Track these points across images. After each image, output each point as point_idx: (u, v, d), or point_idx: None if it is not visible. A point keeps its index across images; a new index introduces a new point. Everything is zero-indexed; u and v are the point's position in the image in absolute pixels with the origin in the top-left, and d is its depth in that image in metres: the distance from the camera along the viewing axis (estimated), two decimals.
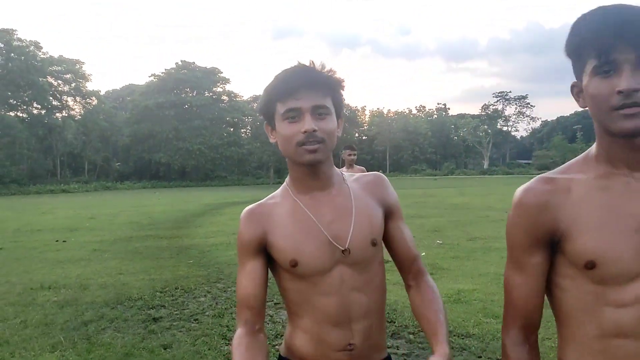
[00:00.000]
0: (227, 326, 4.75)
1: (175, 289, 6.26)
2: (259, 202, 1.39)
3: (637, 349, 0.95)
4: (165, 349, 4.22)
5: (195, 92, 57.51)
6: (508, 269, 1.11)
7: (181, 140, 52.71)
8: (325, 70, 1.29)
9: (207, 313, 5.25)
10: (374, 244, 1.32)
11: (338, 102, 1.32)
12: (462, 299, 5.44)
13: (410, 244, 1.41)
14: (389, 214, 1.38)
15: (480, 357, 3.90)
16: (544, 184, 1.06)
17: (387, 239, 1.40)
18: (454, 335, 4.35)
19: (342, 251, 1.29)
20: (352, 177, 1.41)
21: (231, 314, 5.20)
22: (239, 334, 1.29)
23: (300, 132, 1.24)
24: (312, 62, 1.28)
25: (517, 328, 1.10)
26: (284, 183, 1.40)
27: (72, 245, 10.32)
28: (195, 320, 5.03)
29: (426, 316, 1.31)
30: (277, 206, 1.35)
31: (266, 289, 1.36)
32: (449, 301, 5.39)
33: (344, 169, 6.28)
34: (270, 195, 1.40)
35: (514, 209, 1.07)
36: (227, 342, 4.36)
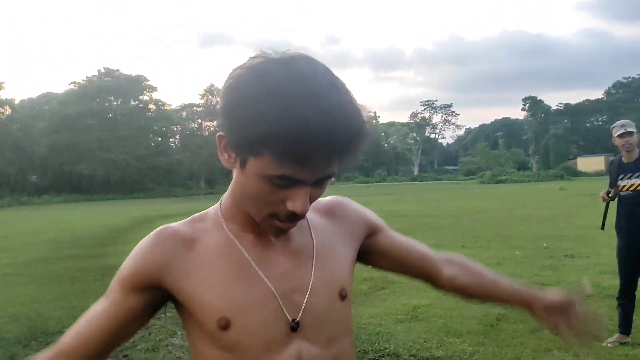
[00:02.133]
0: None
1: None
2: (180, 222, 0.92)
3: None
4: None
5: (119, 101, 55.07)
6: None
7: (105, 151, 50.07)
8: (361, 119, 0.79)
9: (138, 347, 4.60)
10: (342, 296, 0.93)
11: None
12: (420, 316, 5.12)
13: (414, 243, 1.12)
14: (370, 234, 1.04)
15: None
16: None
17: (387, 254, 1.08)
18: (419, 359, 4.01)
19: (293, 323, 0.87)
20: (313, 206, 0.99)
21: (167, 346, 4.60)
22: None
23: (284, 206, 0.81)
24: (355, 110, 0.78)
25: None
26: (217, 205, 0.94)
27: None
28: (124, 356, 4.38)
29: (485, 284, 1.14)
30: (204, 235, 0.90)
31: (106, 344, 0.92)
32: (406, 319, 5.07)
33: None
34: (197, 216, 0.94)
35: None
36: None
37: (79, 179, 50.11)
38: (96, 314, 0.92)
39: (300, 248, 0.93)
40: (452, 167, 79.62)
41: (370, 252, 1.07)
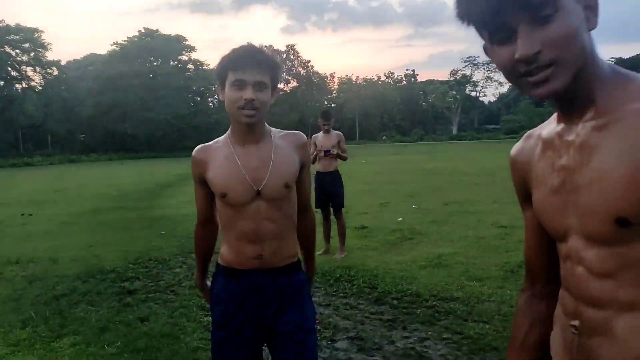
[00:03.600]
0: None
1: (149, 260, 6.07)
2: (207, 144, 1.87)
3: (567, 300, 0.95)
4: (142, 321, 4.07)
5: (159, 61, 55.89)
6: None
7: (147, 111, 51.28)
8: (270, 54, 1.73)
9: (183, 284, 5.10)
10: (286, 186, 1.78)
11: (275, 80, 1.75)
12: (443, 263, 5.41)
13: (306, 188, 1.96)
14: (300, 165, 1.85)
15: (467, 320, 3.87)
16: (523, 140, 1.05)
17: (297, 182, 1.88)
18: (438, 299, 4.31)
19: (257, 191, 1.75)
20: (279, 134, 1.85)
21: (208, 284, 5.06)
22: (197, 228, 1.98)
23: (242, 99, 1.67)
24: (261, 45, 1.70)
25: (525, 276, 1.13)
26: (227, 132, 1.84)
27: (38, 219, 9.97)
28: (171, 291, 4.88)
29: (302, 243, 1.99)
30: (218, 150, 1.81)
31: (212, 204, 1.91)
32: (429, 265, 5.36)
33: (320, 134, 6.11)
34: (216, 140, 1.87)
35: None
36: (206, 313, 4.24)
37: (123, 138, 51.65)
38: (197, 193, 1.92)
39: (265, 156, 1.78)
40: (493, 126, 77.70)
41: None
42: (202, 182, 1.84)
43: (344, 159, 6.13)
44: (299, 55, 67.66)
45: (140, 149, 50.89)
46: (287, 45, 65.38)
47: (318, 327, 3.45)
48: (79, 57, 65.83)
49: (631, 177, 0.79)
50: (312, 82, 66.22)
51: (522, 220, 1.14)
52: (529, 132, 1.05)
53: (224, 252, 1.87)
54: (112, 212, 10.59)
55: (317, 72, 70.16)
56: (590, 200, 0.85)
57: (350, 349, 3.47)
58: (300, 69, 67.44)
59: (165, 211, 10.52)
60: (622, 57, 72.28)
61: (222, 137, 1.85)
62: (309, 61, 69.32)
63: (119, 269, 5.67)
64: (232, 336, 1.85)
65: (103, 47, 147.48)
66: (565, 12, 0.80)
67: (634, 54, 71.40)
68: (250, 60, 1.67)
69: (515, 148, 1.05)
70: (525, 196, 1.05)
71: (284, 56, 61.28)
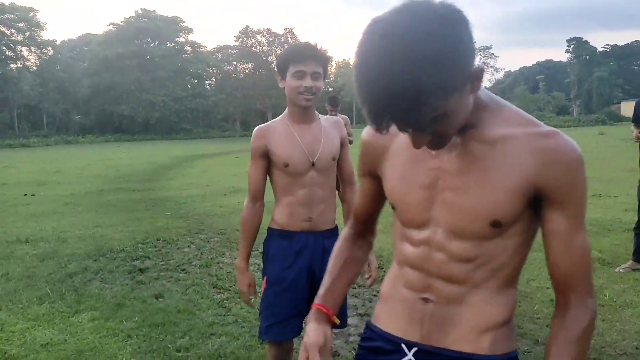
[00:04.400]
0: (216, 275, 4.72)
1: (157, 240, 6.16)
2: (266, 123, 2.19)
3: (417, 277, 1.10)
4: (157, 298, 4.17)
5: (156, 42, 55.44)
6: None
7: (144, 92, 50.98)
8: (323, 50, 2.10)
9: (193, 263, 5.20)
10: (333, 159, 2.17)
11: (326, 70, 2.11)
12: None
13: (349, 164, 2.29)
14: (342, 143, 2.23)
15: None
16: None
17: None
18: None
19: (312, 162, 2.12)
20: (324, 118, 2.23)
21: (218, 263, 5.17)
22: (248, 205, 2.21)
23: (302, 86, 2.03)
24: (316, 43, 2.10)
25: (352, 219, 1.33)
26: (283, 114, 2.19)
27: (42, 199, 10.02)
28: (182, 270, 4.98)
29: (347, 210, 2.33)
30: (277, 129, 2.14)
31: (266, 180, 2.19)
32: None
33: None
34: (273, 120, 2.21)
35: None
36: (219, 290, 4.35)
37: (120, 119, 51.43)
38: (253, 169, 2.16)
39: (317, 134, 2.15)
40: None
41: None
42: (263, 156, 2.12)
43: (350, 142, 6.29)
44: (298, 39, 67.16)
45: (137, 130, 50.72)
46: (285, 29, 64.71)
47: None
48: (74, 37, 65.27)
49: (509, 188, 0.96)
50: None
51: None
52: None
53: (278, 216, 2.19)
54: (115, 193, 10.65)
55: None
56: (467, 202, 0.99)
57: (360, 325, 3.59)
58: None
59: (167, 193, 10.59)
60: (617, 44, 72.29)
61: (278, 118, 2.19)
62: None
63: (128, 249, 5.76)
64: (285, 291, 2.15)
65: (99, 28, 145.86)
66: (453, 112, 0.88)
67: (629, 41, 71.31)
68: (309, 54, 2.04)
69: (370, 130, 1.16)
70: (368, 172, 1.21)
71: (282, 39, 60.76)
